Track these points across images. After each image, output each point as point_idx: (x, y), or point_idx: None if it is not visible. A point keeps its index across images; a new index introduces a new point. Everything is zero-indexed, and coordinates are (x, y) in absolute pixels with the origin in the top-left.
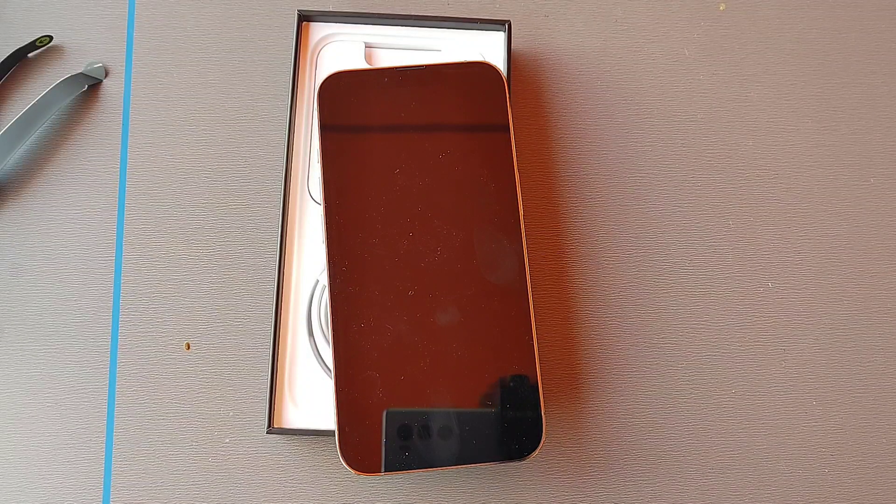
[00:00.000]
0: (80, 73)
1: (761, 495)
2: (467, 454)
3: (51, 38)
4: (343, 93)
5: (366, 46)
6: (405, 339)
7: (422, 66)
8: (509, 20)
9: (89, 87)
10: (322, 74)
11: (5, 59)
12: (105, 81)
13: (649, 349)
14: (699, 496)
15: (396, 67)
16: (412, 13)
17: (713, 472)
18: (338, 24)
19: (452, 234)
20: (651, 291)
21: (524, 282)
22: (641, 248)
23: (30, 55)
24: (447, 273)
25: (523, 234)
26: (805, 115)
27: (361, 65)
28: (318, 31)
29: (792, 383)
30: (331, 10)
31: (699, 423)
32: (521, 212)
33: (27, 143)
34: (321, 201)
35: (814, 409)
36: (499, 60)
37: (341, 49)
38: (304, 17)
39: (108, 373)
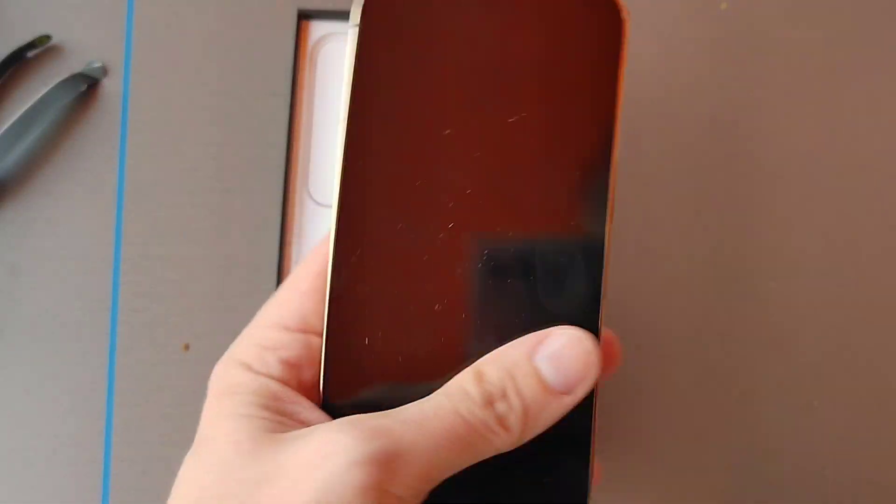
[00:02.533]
0: (79, 72)
1: (761, 495)
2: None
3: (49, 37)
4: (398, 10)
5: None
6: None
7: None
8: None
9: (88, 86)
10: (322, 74)
11: (4, 59)
12: (104, 81)
13: (649, 349)
14: (699, 496)
15: None
16: None
17: (713, 472)
18: (338, 22)
19: (512, 226)
20: (651, 291)
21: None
22: (641, 248)
23: (28, 55)
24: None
25: (608, 242)
26: (807, 115)
27: None
28: (317, 29)
29: (793, 383)
30: (331, 8)
31: (699, 423)
32: (611, 211)
33: (25, 142)
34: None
35: (814, 409)
36: None
37: (341, 47)
38: (304, 16)
39: (106, 373)
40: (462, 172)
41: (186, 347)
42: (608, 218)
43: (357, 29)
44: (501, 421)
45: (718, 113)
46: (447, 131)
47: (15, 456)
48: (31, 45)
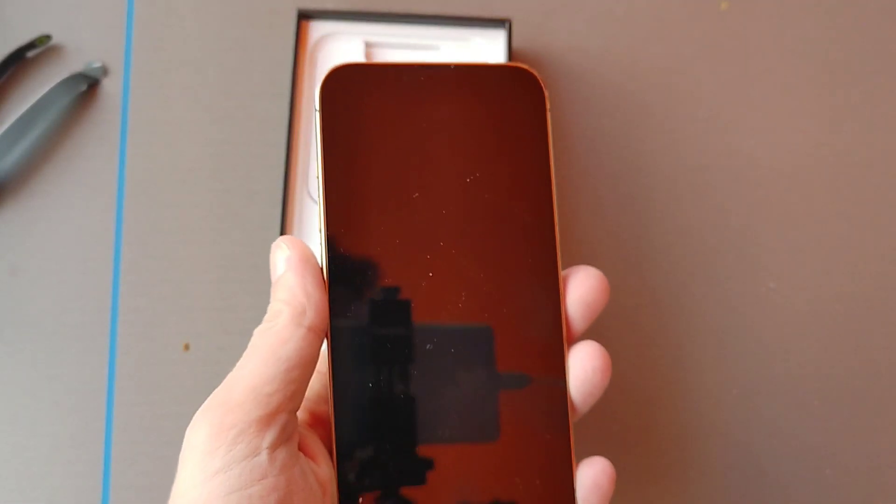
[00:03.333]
0: (79, 72)
1: (761, 495)
2: None
3: (49, 37)
4: (351, 91)
5: (366, 45)
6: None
7: (448, 65)
8: (510, 19)
9: (88, 86)
10: (322, 73)
11: (4, 59)
12: (104, 81)
13: (649, 349)
14: (700, 496)
15: (418, 64)
16: (412, 11)
17: (713, 472)
18: (337, 22)
19: (479, 276)
20: (651, 291)
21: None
22: (641, 248)
23: (28, 55)
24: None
25: (561, 288)
26: (806, 115)
27: (371, 58)
28: (317, 29)
29: (793, 383)
30: (330, 8)
31: (699, 423)
32: (559, 259)
33: (26, 142)
34: (320, 230)
35: (814, 409)
36: (499, 59)
37: (340, 47)
38: (304, 16)
39: (106, 373)
40: (430, 229)
41: (186, 347)
42: (557, 255)
43: (318, 113)
44: None
45: (718, 112)
46: (415, 194)
47: (16, 455)
48: (31, 45)
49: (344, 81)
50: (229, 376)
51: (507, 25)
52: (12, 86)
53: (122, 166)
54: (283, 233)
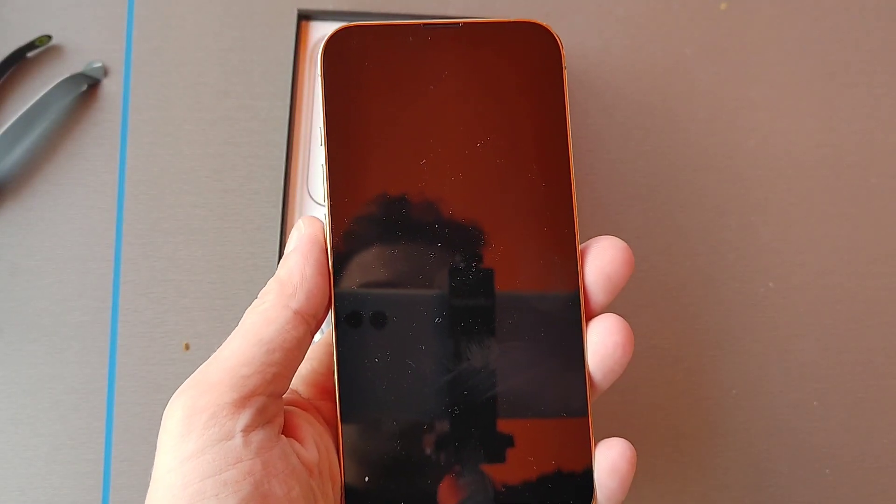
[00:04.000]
0: (80, 72)
1: (761, 496)
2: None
3: (50, 37)
4: (355, 54)
5: None
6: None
7: (456, 22)
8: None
9: (88, 86)
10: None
11: (4, 59)
12: (104, 81)
13: (649, 349)
14: (699, 496)
15: (423, 23)
16: (412, 13)
17: (713, 472)
18: (337, 22)
19: (493, 248)
20: (651, 291)
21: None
22: (641, 248)
23: (29, 55)
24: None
25: (579, 258)
26: (806, 115)
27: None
28: (317, 29)
29: (792, 383)
30: (330, 8)
31: (699, 422)
32: (577, 227)
33: (26, 142)
34: (324, 199)
35: (814, 409)
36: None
37: None
38: (304, 16)
39: (107, 373)
40: (441, 196)
41: (187, 347)
42: (575, 219)
43: (321, 79)
44: None
45: (717, 112)
46: (422, 161)
47: (16, 455)
48: (31, 45)
49: (347, 44)
50: (213, 356)
51: None
52: (12, 86)
53: (122, 166)
54: (283, 233)
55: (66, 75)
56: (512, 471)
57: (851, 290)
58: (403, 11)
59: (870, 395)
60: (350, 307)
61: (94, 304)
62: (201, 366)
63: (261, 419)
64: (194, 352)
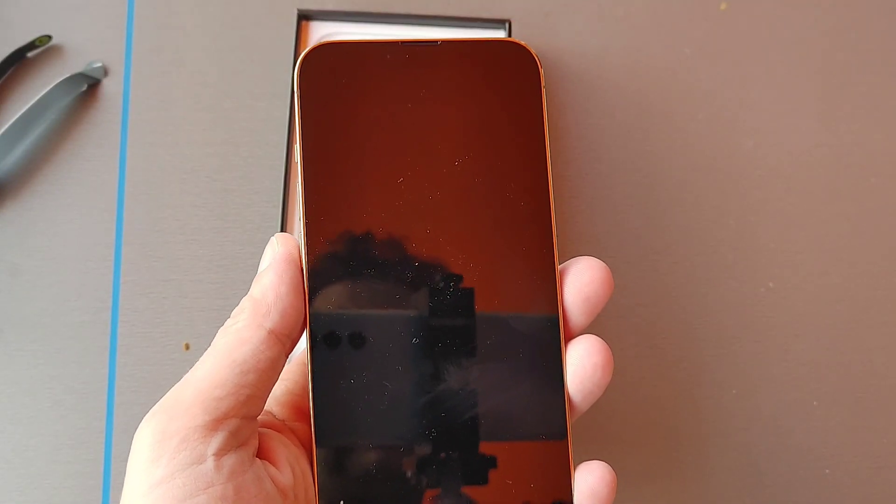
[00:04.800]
0: (80, 72)
1: (761, 496)
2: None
3: (50, 37)
4: (331, 71)
5: None
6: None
7: (435, 41)
8: (510, 19)
9: (88, 86)
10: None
11: (4, 59)
12: (104, 81)
13: (649, 349)
14: (699, 496)
15: (402, 41)
16: (412, 12)
17: (713, 472)
18: (338, 23)
19: (470, 267)
20: (651, 291)
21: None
22: (641, 248)
23: (29, 55)
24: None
25: (558, 279)
26: (805, 115)
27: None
28: (317, 30)
29: (792, 383)
30: (330, 8)
31: (698, 423)
32: (556, 248)
33: (26, 142)
34: (300, 218)
35: (814, 409)
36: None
37: None
38: (304, 17)
39: (107, 373)
40: (418, 216)
41: (187, 347)
42: (553, 240)
43: (297, 96)
44: None
45: (717, 112)
46: (399, 179)
47: (16, 455)
48: (31, 45)
49: (324, 61)
50: (185, 377)
51: (507, 26)
52: (12, 86)
53: (122, 166)
54: (283, 233)
55: (66, 75)
56: (490, 494)
57: (851, 290)
58: (403, 11)
59: (870, 395)
60: (325, 327)
61: (94, 305)
62: (173, 387)
63: (234, 442)
64: (194, 352)
